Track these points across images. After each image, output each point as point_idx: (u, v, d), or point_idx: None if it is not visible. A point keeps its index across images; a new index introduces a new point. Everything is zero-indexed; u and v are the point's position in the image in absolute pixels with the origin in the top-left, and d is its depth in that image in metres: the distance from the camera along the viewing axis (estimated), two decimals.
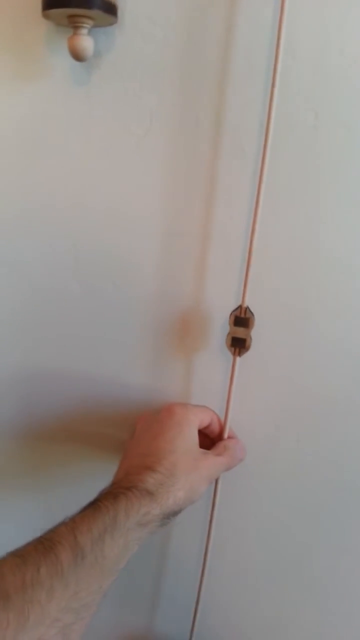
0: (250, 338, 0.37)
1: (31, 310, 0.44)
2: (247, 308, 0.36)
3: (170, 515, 0.32)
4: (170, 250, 0.39)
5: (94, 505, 0.30)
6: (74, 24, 0.33)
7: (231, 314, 0.37)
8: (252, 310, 0.37)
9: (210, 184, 0.37)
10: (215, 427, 0.39)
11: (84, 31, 0.33)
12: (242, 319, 0.36)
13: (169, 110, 0.36)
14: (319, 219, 0.36)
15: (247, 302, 0.36)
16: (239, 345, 0.37)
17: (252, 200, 0.35)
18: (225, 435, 0.40)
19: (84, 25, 0.33)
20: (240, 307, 0.36)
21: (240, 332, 0.36)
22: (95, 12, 0.32)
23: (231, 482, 0.42)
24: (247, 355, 0.38)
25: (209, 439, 0.40)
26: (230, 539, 0.45)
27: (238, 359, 0.38)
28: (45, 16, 0.34)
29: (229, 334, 0.37)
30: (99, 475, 0.35)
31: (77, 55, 0.34)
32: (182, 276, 0.39)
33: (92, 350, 0.44)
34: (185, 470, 0.33)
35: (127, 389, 0.44)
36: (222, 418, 0.39)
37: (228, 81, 0.35)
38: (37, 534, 0.29)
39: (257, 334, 0.38)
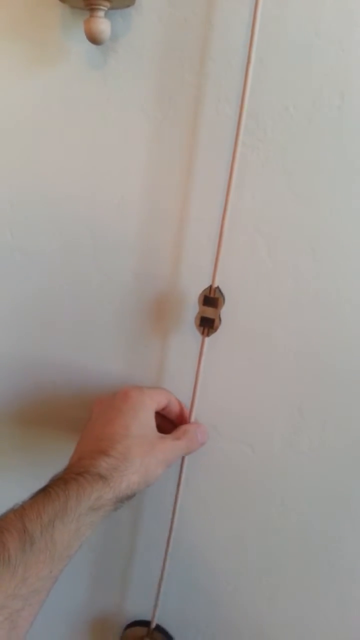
0: (220, 319, 0.36)
1: (15, 297, 0.44)
2: (217, 288, 0.36)
3: (124, 499, 0.32)
4: (147, 231, 0.39)
5: (45, 492, 0.30)
6: (90, 6, 0.31)
7: (201, 293, 0.36)
8: (225, 292, 0.36)
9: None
10: (174, 408, 0.39)
11: (101, 13, 0.32)
12: (211, 298, 0.36)
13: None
14: (304, 200, 0.35)
15: (220, 283, 0.36)
16: (207, 325, 0.36)
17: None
18: (191, 419, 0.39)
19: (101, 7, 0.31)
20: (210, 286, 0.36)
21: (209, 311, 0.36)
22: None
23: (196, 462, 0.42)
24: (218, 337, 0.37)
25: (169, 422, 0.40)
26: (195, 517, 0.45)
27: (207, 339, 0.37)
28: None
29: (198, 313, 0.37)
30: None
31: (94, 39, 0.32)
32: (157, 257, 0.39)
33: (70, 335, 0.44)
34: (140, 454, 0.33)
35: (103, 372, 0.44)
36: (190, 399, 0.39)
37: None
38: None
39: (229, 316, 0.37)
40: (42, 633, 0.54)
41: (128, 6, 0.33)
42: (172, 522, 0.42)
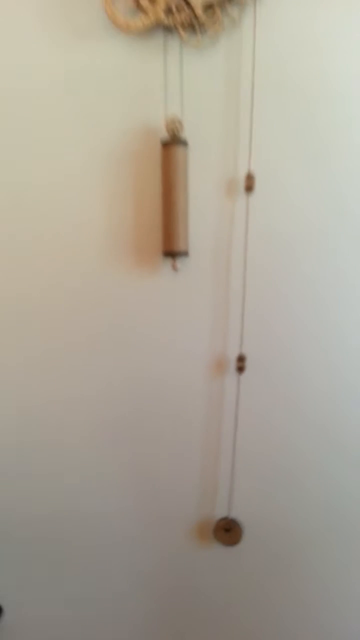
0: (245, 367, 0.86)
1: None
2: (243, 354, 0.86)
3: None
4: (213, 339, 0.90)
5: None
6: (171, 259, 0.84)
7: (236, 358, 0.86)
8: (247, 354, 0.86)
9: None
10: None
11: (178, 264, 0.84)
12: (241, 357, 0.86)
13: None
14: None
15: (244, 350, 0.86)
16: (241, 370, 0.86)
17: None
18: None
19: (177, 258, 0.84)
20: (240, 354, 0.86)
21: (241, 364, 0.86)
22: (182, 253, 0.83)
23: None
24: (246, 376, 0.87)
25: None
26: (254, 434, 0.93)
27: (241, 376, 0.87)
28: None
29: (236, 366, 0.87)
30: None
31: (174, 269, 0.84)
32: (212, 344, 0.90)
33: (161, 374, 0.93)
34: None
35: (190, 400, 0.93)
36: (235, 404, 0.89)
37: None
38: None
39: (251, 367, 0.87)
40: (172, 535, 0.99)
41: (186, 256, 0.85)
42: (235, 436, 0.91)
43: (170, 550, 0.96)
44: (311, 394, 0.89)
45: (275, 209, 0.85)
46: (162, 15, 0.81)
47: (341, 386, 0.88)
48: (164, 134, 0.86)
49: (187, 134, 0.85)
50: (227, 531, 0.93)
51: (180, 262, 0.88)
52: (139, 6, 0.81)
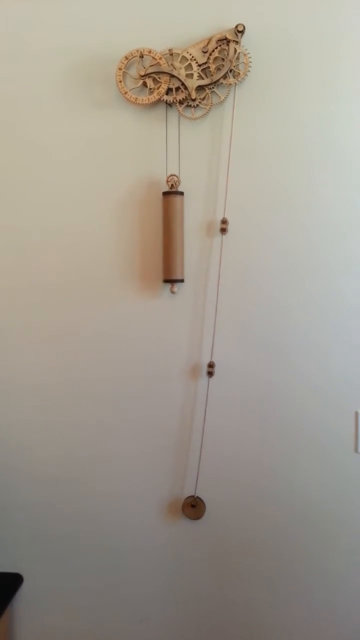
0: (214, 372, 1.07)
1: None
2: (212, 362, 1.07)
3: None
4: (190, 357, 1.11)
5: None
6: (170, 288, 1.06)
7: (207, 364, 1.07)
8: (216, 362, 1.07)
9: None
10: None
11: (176, 288, 1.05)
12: (210, 365, 1.07)
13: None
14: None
15: (213, 359, 1.07)
16: (210, 374, 1.07)
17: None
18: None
19: (175, 284, 1.06)
20: (211, 361, 1.07)
21: (211, 370, 1.07)
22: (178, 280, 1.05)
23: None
24: (214, 380, 1.08)
25: None
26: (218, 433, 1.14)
27: (210, 379, 1.08)
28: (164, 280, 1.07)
29: (207, 371, 1.08)
30: None
31: (172, 292, 1.05)
32: (192, 356, 1.11)
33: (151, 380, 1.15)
34: None
35: (173, 397, 1.14)
36: (205, 397, 1.09)
37: None
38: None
39: (219, 371, 1.08)
40: (146, 512, 1.18)
41: (183, 281, 1.06)
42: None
43: (156, 520, 1.17)
44: (269, 392, 1.09)
45: (246, 246, 1.06)
46: (164, 94, 1.04)
47: (294, 386, 1.08)
48: (165, 186, 1.08)
49: (183, 185, 1.07)
50: (193, 507, 1.13)
51: (176, 287, 1.08)
52: (146, 85, 1.05)
